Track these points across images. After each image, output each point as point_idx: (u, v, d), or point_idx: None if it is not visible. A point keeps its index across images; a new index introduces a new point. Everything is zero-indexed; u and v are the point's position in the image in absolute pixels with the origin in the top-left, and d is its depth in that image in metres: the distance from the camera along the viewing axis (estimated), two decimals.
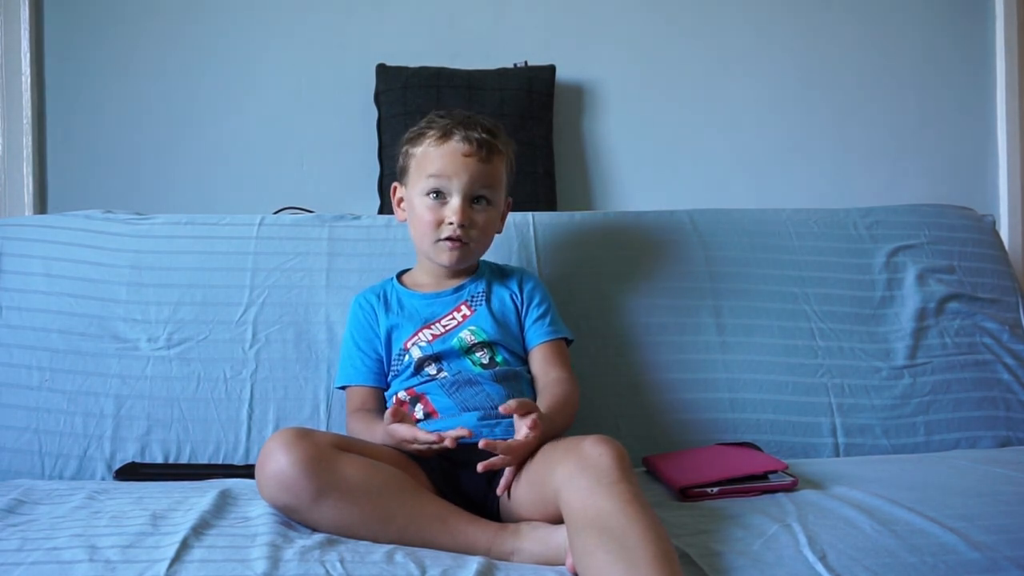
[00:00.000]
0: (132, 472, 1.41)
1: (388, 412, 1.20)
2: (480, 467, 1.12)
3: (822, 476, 1.31)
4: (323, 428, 1.48)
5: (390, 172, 2.03)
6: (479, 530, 1.12)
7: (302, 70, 2.16)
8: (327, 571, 0.97)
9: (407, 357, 1.38)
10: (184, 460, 1.46)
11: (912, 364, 1.63)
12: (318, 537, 1.06)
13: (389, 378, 1.40)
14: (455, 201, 1.37)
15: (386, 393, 1.40)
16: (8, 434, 1.45)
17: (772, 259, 1.71)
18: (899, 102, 2.31)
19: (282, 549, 1.00)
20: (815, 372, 1.61)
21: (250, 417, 1.50)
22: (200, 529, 1.05)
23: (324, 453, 1.10)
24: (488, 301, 1.43)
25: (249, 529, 1.06)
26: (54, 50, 2.11)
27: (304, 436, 1.11)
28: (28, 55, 2.07)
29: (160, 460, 1.46)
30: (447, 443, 1.14)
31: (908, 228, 1.78)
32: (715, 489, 1.25)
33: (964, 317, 1.69)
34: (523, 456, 1.15)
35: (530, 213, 1.72)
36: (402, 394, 1.36)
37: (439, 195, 1.38)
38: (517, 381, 1.37)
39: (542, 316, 1.44)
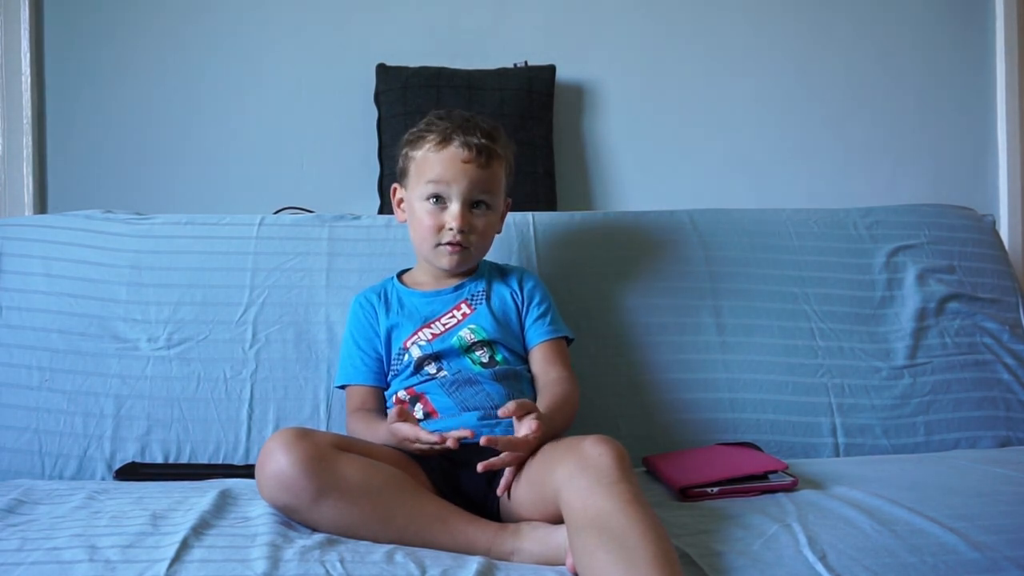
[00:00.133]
0: (132, 472, 1.42)
1: (393, 411, 1.20)
2: (480, 467, 1.12)
3: (822, 476, 1.31)
4: (323, 428, 1.48)
5: (390, 172, 2.03)
6: (479, 530, 1.12)
7: (302, 70, 2.16)
8: (327, 571, 0.97)
9: (407, 356, 1.38)
10: (184, 460, 1.46)
11: (912, 364, 1.63)
12: (318, 537, 1.06)
13: (389, 378, 1.40)
14: (454, 207, 1.37)
15: (386, 393, 1.40)
16: (8, 434, 1.45)
17: (772, 259, 1.71)
18: (899, 102, 2.31)
19: (282, 549, 1.00)
20: (815, 372, 1.61)
21: (250, 417, 1.50)
22: (200, 529, 1.05)
23: (324, 453, 1.10)
24: (488, 300, 1.43)
25: (249, 529, 1.06)
26: (54, 50, 2.11)
27: (304, 436, 1.11)
28: (28, 55, 2.07)
29: (160, 460, 1.46)
30: (449, 444, 1.14)
31: (908, 228, 1.78)
32: (715, 489, 1.24)
33: (964, 317, 1.69)
34: (525, 453, 1.15)
35: (530, 213, 1.72)
36: (402, 393, 1.36)
37: (439, 200, 1.38)
38: (517, 380, 1.37)
39: (542, 315, 1.44)
